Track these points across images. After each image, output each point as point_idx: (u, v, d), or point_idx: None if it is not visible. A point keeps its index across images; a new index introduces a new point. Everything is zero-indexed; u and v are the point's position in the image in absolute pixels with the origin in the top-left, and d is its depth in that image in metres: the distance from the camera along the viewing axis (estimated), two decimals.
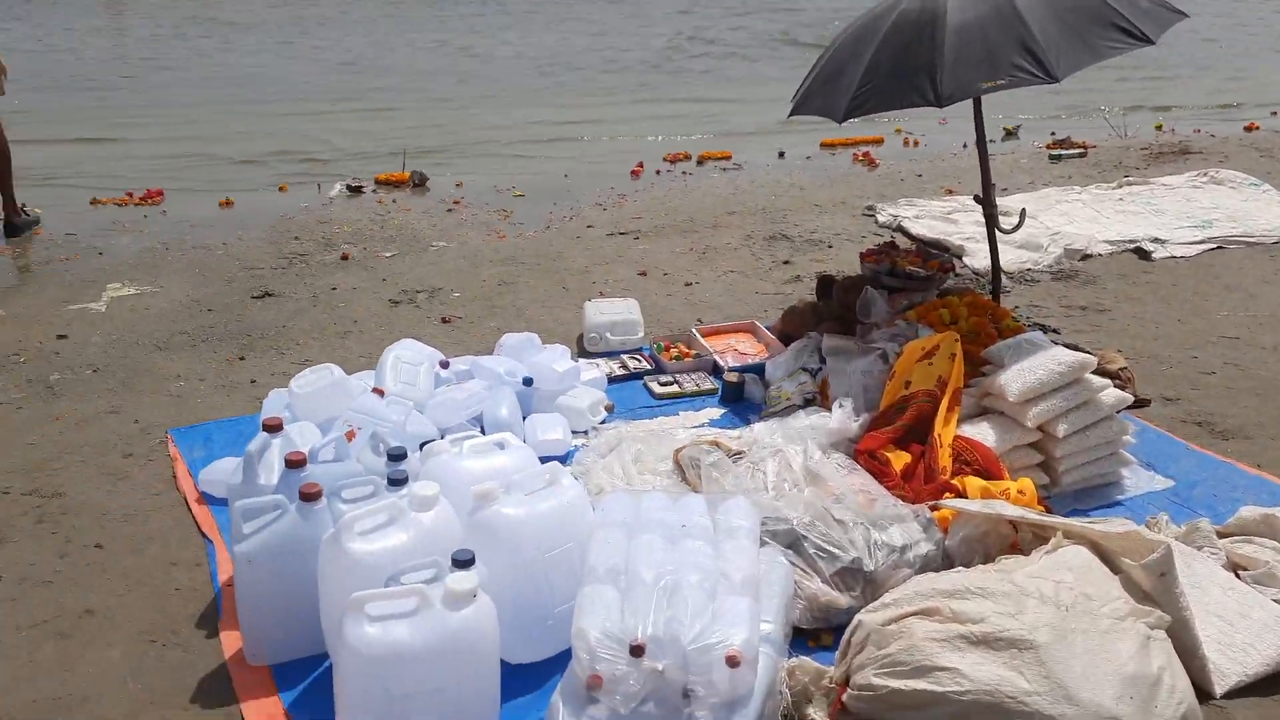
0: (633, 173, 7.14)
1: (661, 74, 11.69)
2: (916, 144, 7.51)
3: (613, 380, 3.78)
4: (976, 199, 3.89)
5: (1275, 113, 8.61)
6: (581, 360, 3.79)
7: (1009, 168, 6.84)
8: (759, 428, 3.23)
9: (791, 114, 3.71)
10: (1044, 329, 4.17)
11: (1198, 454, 3.24)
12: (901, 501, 2.69)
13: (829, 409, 3.17)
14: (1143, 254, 5.05)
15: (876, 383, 3.23)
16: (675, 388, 3.73)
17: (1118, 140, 7.56)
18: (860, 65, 3.40)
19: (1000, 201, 5.84)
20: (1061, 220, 5.51)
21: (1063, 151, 7.06)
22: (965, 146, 7.35)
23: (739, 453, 3.03)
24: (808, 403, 3.41)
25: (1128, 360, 3.68)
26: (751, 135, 8.32)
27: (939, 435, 2.94)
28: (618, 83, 11.19)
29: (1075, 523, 2.39)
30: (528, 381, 3.38)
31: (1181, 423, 3.45)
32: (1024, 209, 4.06)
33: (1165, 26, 3.28)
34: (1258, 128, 7.82)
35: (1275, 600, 2.40)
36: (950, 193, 6.17)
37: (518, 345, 3.62)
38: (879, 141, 7.44)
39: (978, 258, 4.93)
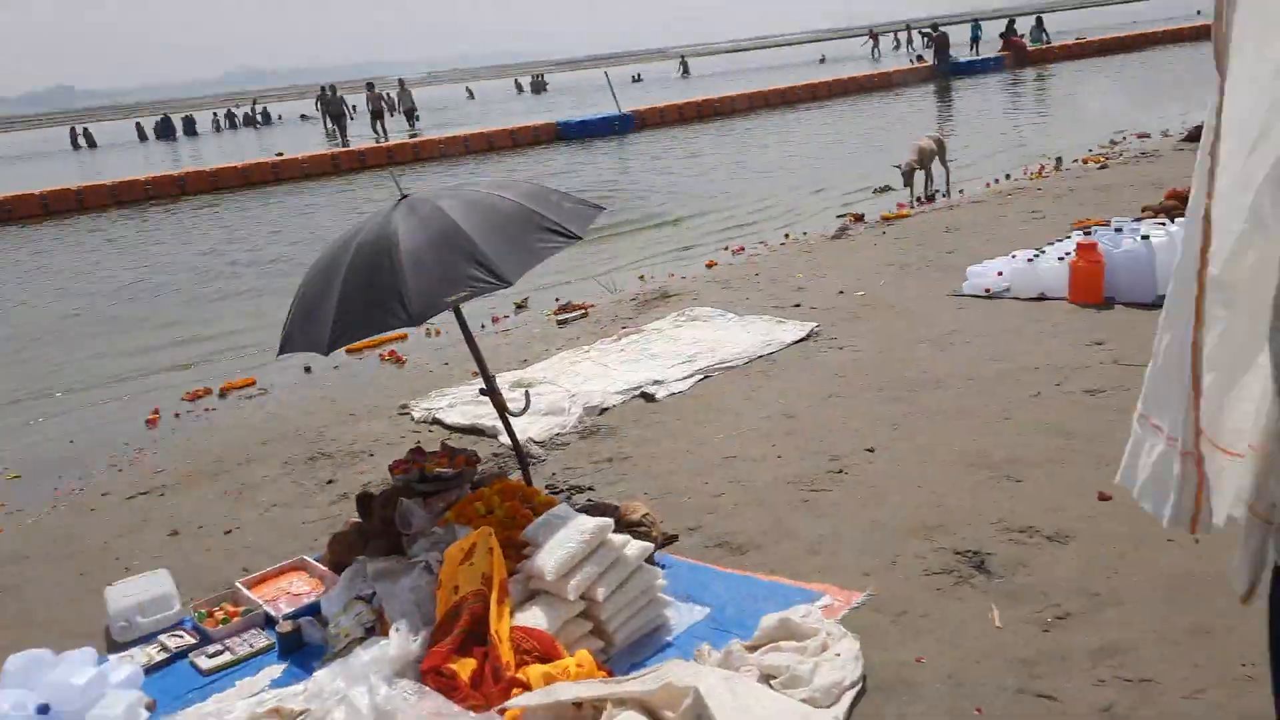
0: (149, 422, 6.66)
1: (175, 304, 11.13)
2: (438, 333, 7.85)
3: (152, 669, 3.43)
4: (482, 392, 4.14)
5: (728, 248, 10.11)
6: (111, 657, 3.41)
7: (526, 339, 7.37)
8: (321, 676, 3.10)
9: (280, 354, 3.74)
10: (578, 490, 4.50)
11: (724, 574, 3.64)
12: (473, 713, 2.72)
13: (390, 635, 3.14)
14: (649, 397, 5.65)
15: (428, 596, 3.26)
16: (226, 656, 3.48)
17: (612, 297, 8.47)
18: (333, 298, 3.54)
19: (522, 373, 6.32)
20: (578, 380, 6.02)
21: (567, 315, 7.75)
22: (484, 328, 7.81)
23: (301, 713, 2.88)
24: (369, 633, 3.35)
25: (650, 503, 4.08)
26: (269, 356, 8.14)
27: (496, 632, 3.03)
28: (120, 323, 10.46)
29: (622, 688, 2.57)
30: (43, 710, 2.97)
31: (706, 548, 3.86)
32: (527, 390, 4.40)
33: (589, 221, 3.81)
34: (715, 264, 9.16)
35: (803, 700, 2.74)
36: (476, 375, 6.49)
37: (25, 667, 3.17)
38: (403, 338, 7.67)
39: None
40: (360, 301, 3.49)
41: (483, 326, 7.89)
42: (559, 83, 61.14)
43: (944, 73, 30.82)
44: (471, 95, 59.43)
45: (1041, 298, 6.55)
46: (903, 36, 55.60)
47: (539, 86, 57.03)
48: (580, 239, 3.76)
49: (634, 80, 57.31)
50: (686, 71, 57.52)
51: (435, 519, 3.72)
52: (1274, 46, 1.34)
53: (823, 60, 54.04)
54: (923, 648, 3.06)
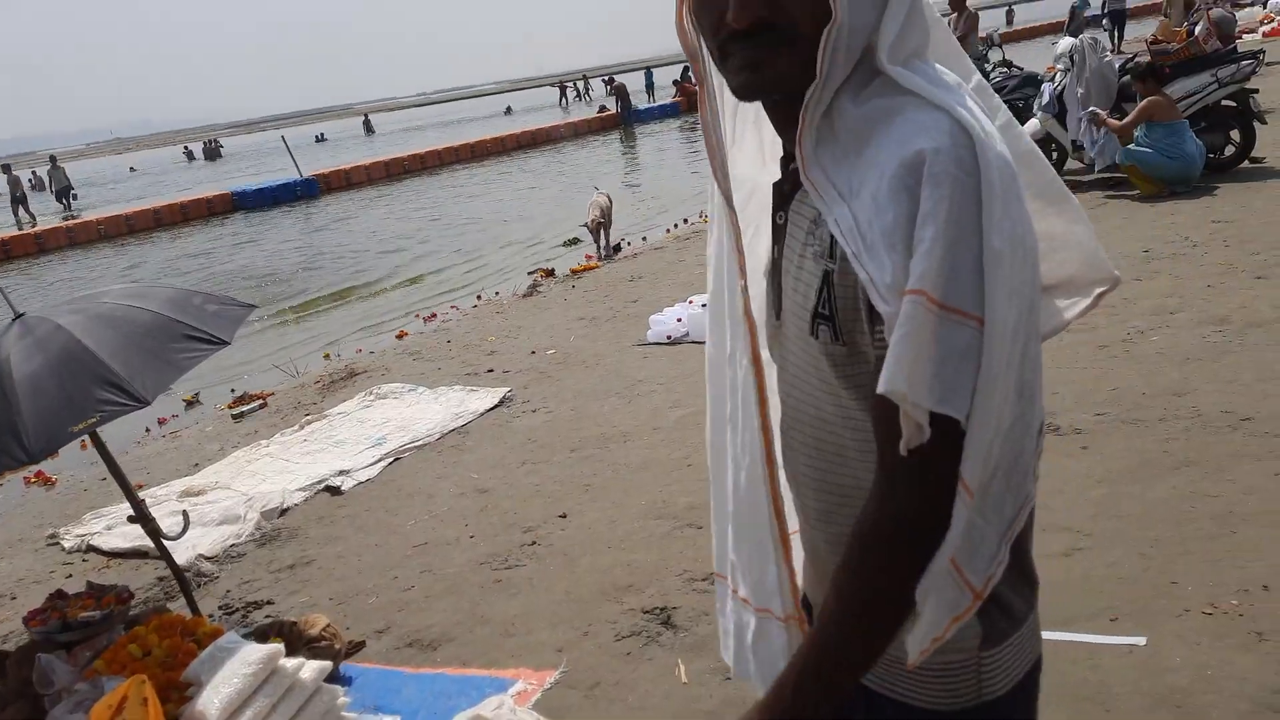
0: None
1: None
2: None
3: None
4: (131, 519, 3.75)
5: (419, 315, 9.91)
6: None
7: (197, 439, 6.82)
8: None
9: None
10: (255, 607, 4.17)
11: (415, 676, 3.48)
12: None
13: None
14: (334, 490, 5.37)
15: None
16: None
17: (293, 381, 8.03)
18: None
19: (192, 480, 5.82)
20: (255, 481, 5.62)
21: (244, 408, 7.25)
22: (148, 431, 7.15)
23: None
24: None
25: (335, 610, 3.84)
26: None
27: None
28: None
29: None
30: None
31: (397, 649, 3.68)
32: (185, 511, 4.04)
33: (238, 323, 3.58)
34: (406, 334, 8.95)
35: None
36: (139, 488, 5.91)
37: None
38: (52, 454, 6.84)
39: (180, 550, 4.76)
40: None
41: (147, 430, 7.23)
42: (237, 147, 58.17)
43: (627, 120, 32.25)
44: (134, 171, 55.32)
45: None
46: (581, 85, 57.78)
47: (213, 153, 53.97)
48: (228, 343, 3.52)
49: (318, 140, 55.65)
50: (371, 129, 56.57)
51: (81, 672, 3.30)
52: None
53: (509, 111, 54.98)
54: (615, 718, 3.05)
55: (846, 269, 1.06)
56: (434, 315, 9.58)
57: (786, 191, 1.20)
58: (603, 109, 36.28)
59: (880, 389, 0.98)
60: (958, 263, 0.96)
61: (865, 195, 1.02)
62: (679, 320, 7.14)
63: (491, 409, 6.27)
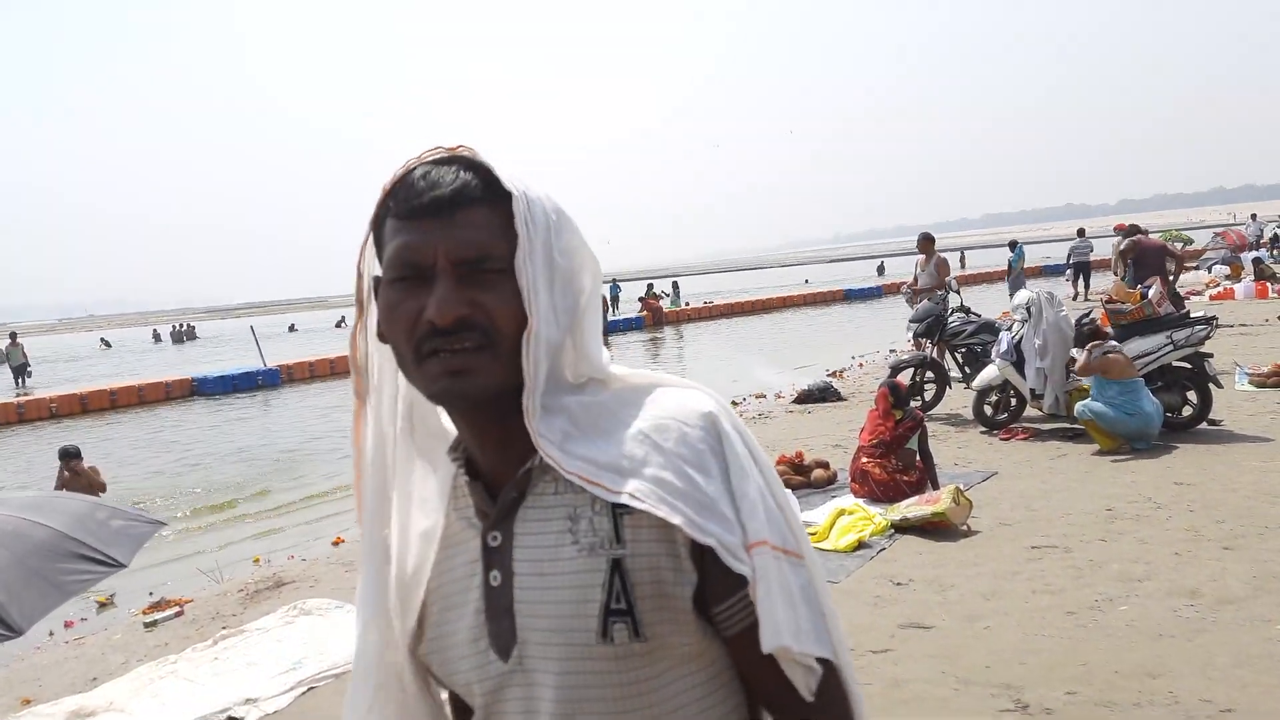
0: None
1: None
2: None
3: None
4: None
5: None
6: None
7: (102, 649, 6.26)
8: None
9: None
10: None
11: None
12: None
13: None
14: None
15: None
16: None
17: (216, 588, 7.53)
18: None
19: (85, 699, 5.26)
20: (155, 705, 5.09)
21: (158, 616, 6.73)
22: (51, 635, 6.58)
23: None
24: None
25: None
26: None
27: None
28: None
29: None
30: None
31: None
32: None
33: (141, 542, 3.28)
34: (342, 540, 8.51)
35: None
36: (27, 702, 5.34)
37: None
38: None
39: None
40: None
41: (50, 634, 6.65)
42: (211, 331, 58.32)
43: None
44: (108, 344, 55.20)
45: None
46: None
47: (181, 336, 54.04)
48: (124, 566, 3.22)
49: (290, 330, 56.08)
50: (343, 322, 57.38)
51: None
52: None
53: None
54: None
55: (645, 550, 1.04)
56: None
57: (510, 502, 1.10)
58: None
59: (766, 648, 1.03)
60: (771, 507, 1.06)
61: (655, 466, 1.04)
62: None
63: None
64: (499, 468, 1.11)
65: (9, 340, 30.20)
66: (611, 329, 33.38)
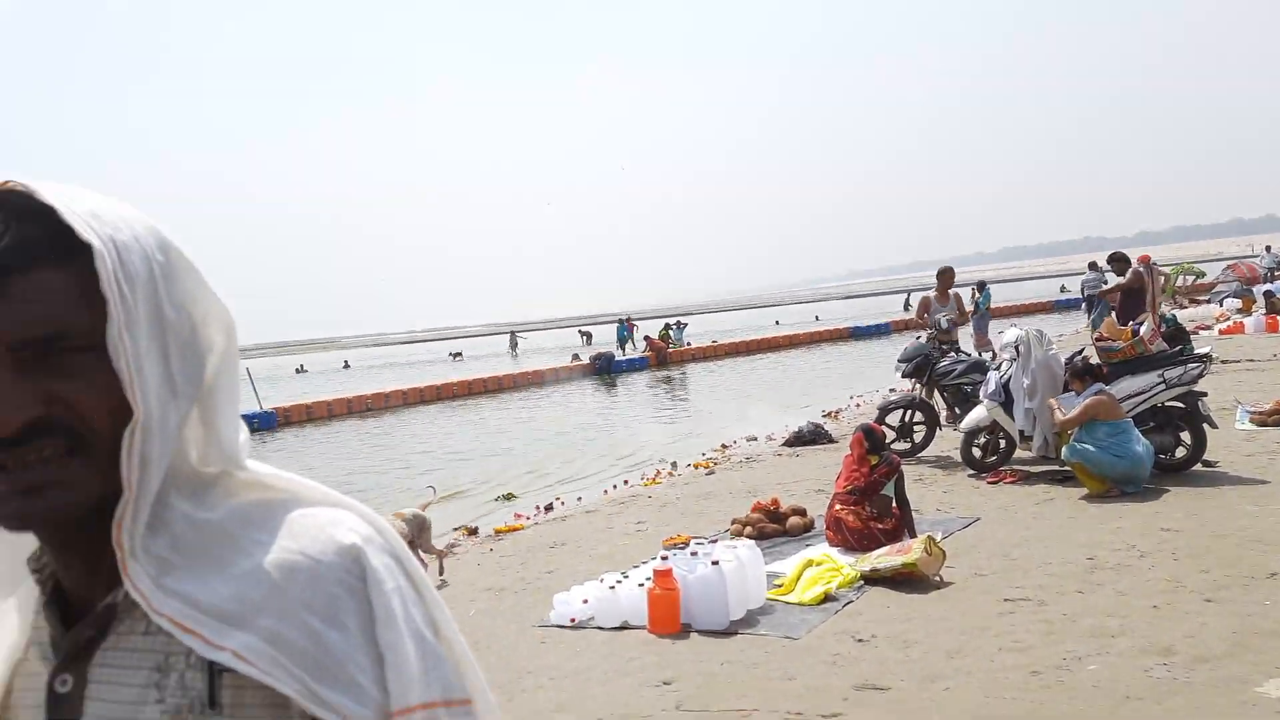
0: None
1: None
2: None
3: None
4: None
5: None
6: None
7: None
8: None
9: None
10: None
11: None
12: None
13: None
14: None
15: None
16: None
17: None
18: None
19: None
20: None
21: None
22: None
23: None
24: None
25: None
26: None
27: None
28: None
29: None
30: None
31: None
32: None
33: None
34: None
35: None
36: None
37: None
38: None
39: None
40: None
41: None
42: None
43: (601, 372, 32.69)
44: None
45: (624, 626, 6.25)
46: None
47: None
48: None
49: (298, 372, 56.12)
50: (347, 365, 57.59)
51: None
52: None
53: (458, 356, 55.63)
54: None
55: (245, 715, 0.82)
56: None
57: (85, 641, 0.85)
58: (575, 357, 36.90)
59: None
60: (432, 651, 0.86)
61: (273, 615, 0.81)
62: (585, 601, 6.51)
63: None
64: (87, 591, 0.87)
65: None
66: (615, 370, 33.19)
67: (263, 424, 23.95)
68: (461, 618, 6.83)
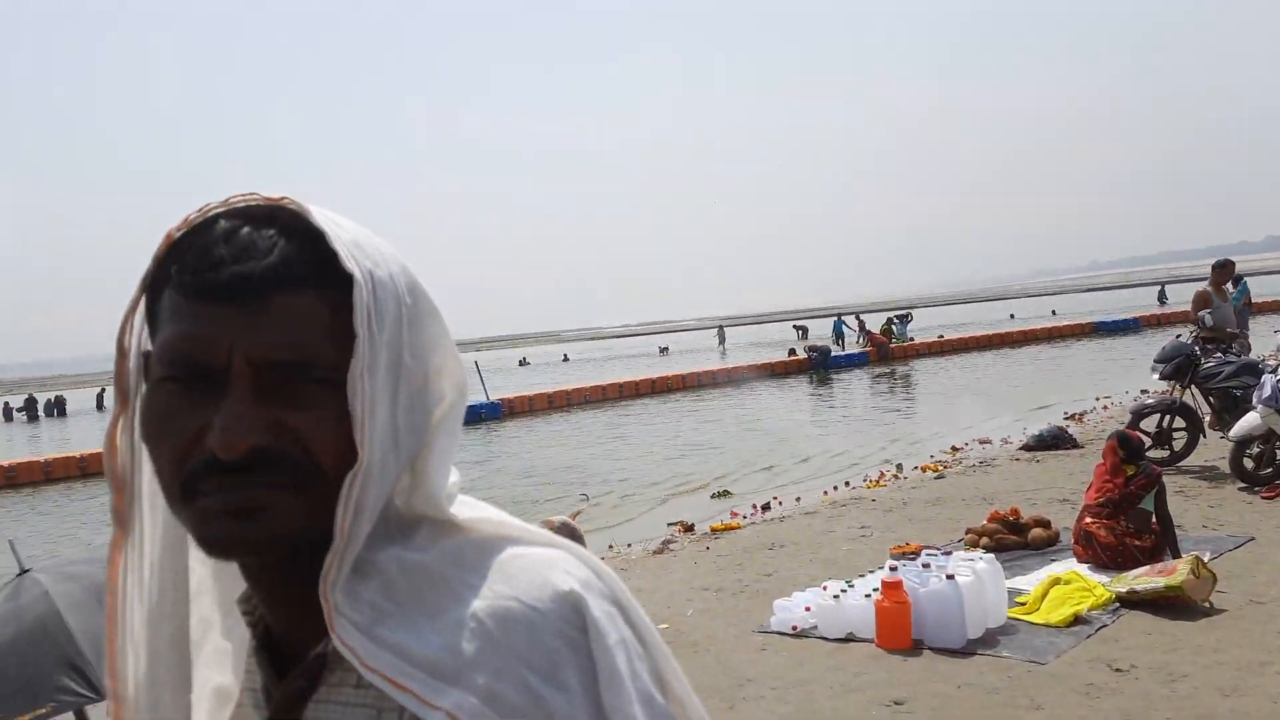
0: None
1: None
2: None
3: None
4: None
5: None
6: None
7: None
8: None
9: None
10: None
11: None
12: None
13: None
14: None
15: None
16: None
17: None
18: None
19: None
20: None
21: None
22: None
23: None
24: None
25: None
26: None
27: None
28: None
29: None
30: None
31: None
32: None
33: None
34: None
35: None
36: None
37: None
38: None
39: None
40: None
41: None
42: None
43: (818, 367, 32.06)
44: None
45: (849, 638, 5.94)
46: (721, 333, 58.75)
47: None
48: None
49: (521, 364, 58.51)
50: (566, 358, 59.64)
51: None
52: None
53: (665, 350, 56.08)
54: None
55: None
56: None
57: (296, 692, 0.80)
58: (791, 352, 36.38)
59: None
60: (660, 714, 0.78)
61: (489, 671, 0.74)
62: (807, 609, 6.23)
63: None
64: (296, 635, 0.82)
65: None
66: (832, 365, 32.47)
67: (490, 414, 25.00)
68: (679, 617, 6.73)
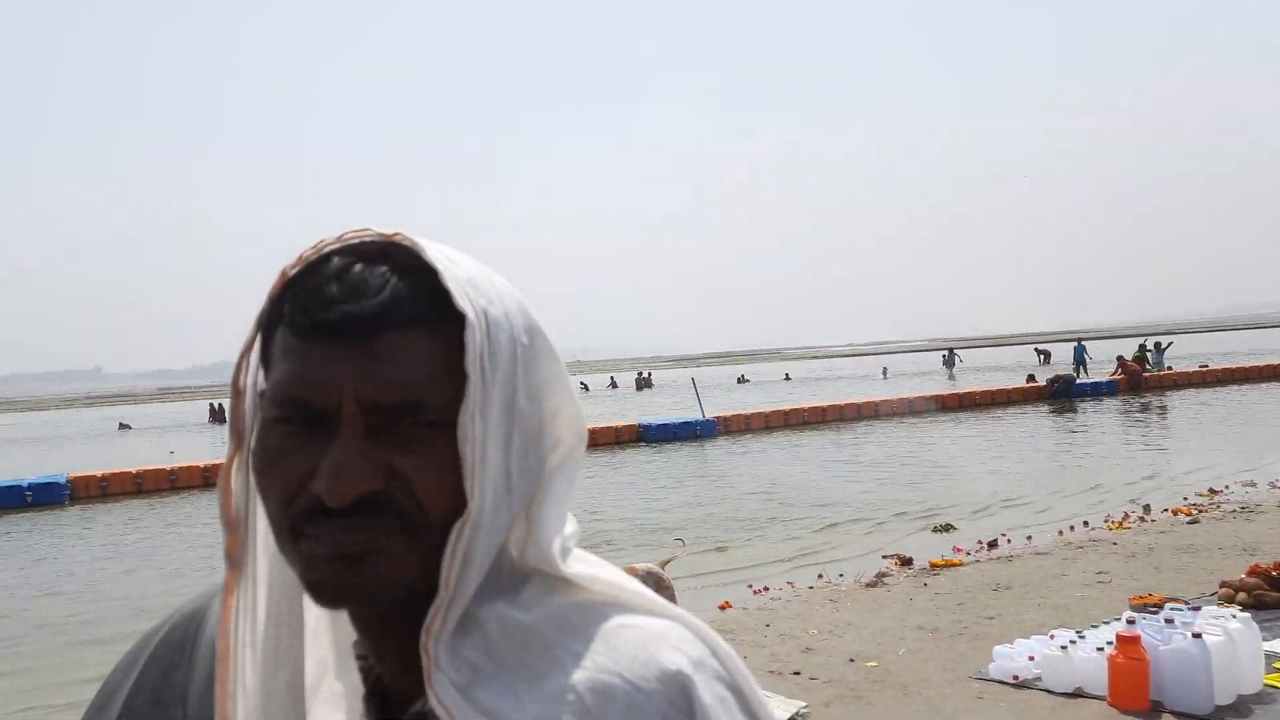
0: None
1: None
2: None
3: None
4: None
5: (751, 585, 9.17)
6: None
7: None
8: None
9: None
10: None
11: None
12: None
13: None
14: None
15: None
16: None
17: None
18: (122, 692, 3.00)
19: None
20: None
21: None
22: None
23: None
24: None
25: None
26: None
27: None
28: None
29: None
30: None
31: None
32: None
33: None
34: (730, 605, 8.25)
35: None
36: None
37: None
38: None
39: None
40: (147, 699, 2.93)
41: None
42: (665, 379, 62.56)
43: (1059, 395, 30.18)
44: (585, 388, 61.83)
45: (1077, 694, 5.45)
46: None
47: (643, 384, 58.66)
48: None
49: (739, 382, 58.51)
50: (788, 377, 59.10)
51: None
52: None
53: (885, 373, 54.23)
54: None
55: None
56: (765, 589, 8.82)
57: None
58: (1030, 378, 34.43)
59: None
60: None
61: None
62: (1031, 658, 5.77)
63: None
64: (404, 687, 0.79)
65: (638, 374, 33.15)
66: (1077, 393, 30.41)
67: (704, 431, 25.07)
68: (889, 656, 6.41)
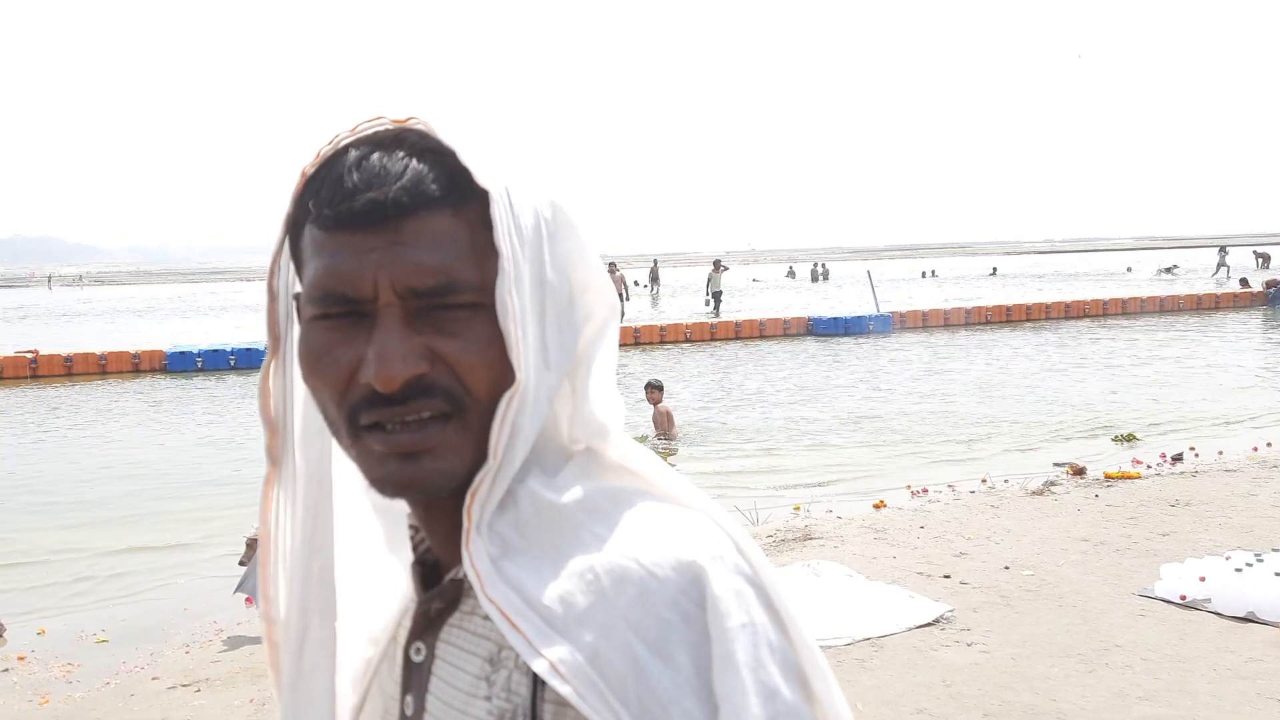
0: (248, 601, 6.67)
1: None
2: None
3: None
4: None
5: (910, 486, 9.02)
6: None
7: None
8: None
9: None
10: None
11: None
12: None
13: None
14: None
15: None
16: None
17: (750, 528, 7.75)
18: None
19: None
20: None
21: None
22: None
23: None
24: None
25: None
26: None
27: None
28: None
29: None
30: None
31: None
32: None
33: None
34: (884, 505, 8.21)
35: None
36: None
37: None
38: None
39: None
40: None
41: None
42: (845, 273, 61.00)
43: (1275, 301, 27.78)
44: (793, 273, 61.34)
45: (1248, 619, 5.19)
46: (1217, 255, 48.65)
47: (817, 276, 57.46)
48: None
49: (924, 276, 56.58)
50: (994, 272, 56.66)
51: None
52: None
53: (1129, 270, 50.68)
54: None
55: None
56: (925, 490, 8.70)
57: (435, 613, 0.82)
58: (1243, 283, 31.76)
59: None
60: (795, 716, 0.71)
61: (596, 630, 0.71)
62: (1202, 579, 5.51)
63: (920, 626, 5.35)
64: (448, 555, 0.83)
65: (712, 267, 32.93)
66: None
67: (879, 327, 24.46)
68: (1048, 566, 6.26)
